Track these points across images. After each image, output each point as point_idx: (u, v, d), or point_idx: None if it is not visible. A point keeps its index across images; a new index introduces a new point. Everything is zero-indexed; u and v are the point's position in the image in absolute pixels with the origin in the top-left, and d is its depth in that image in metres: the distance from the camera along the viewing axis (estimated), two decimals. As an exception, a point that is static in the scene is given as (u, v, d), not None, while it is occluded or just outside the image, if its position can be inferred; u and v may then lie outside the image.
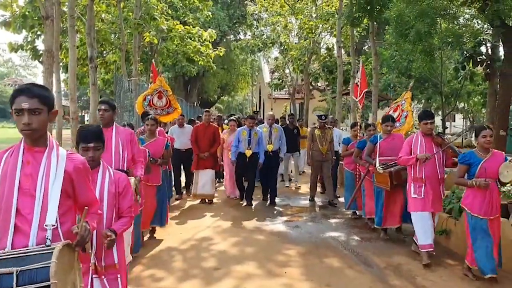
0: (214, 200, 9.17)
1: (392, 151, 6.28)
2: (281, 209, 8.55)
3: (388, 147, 6.44)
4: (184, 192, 9.88)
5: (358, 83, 8.52)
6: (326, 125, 9.14)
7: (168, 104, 8.06)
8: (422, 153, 5.39)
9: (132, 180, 3.88)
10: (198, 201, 9.07)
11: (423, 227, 5.42)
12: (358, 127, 8.24)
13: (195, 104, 31.26)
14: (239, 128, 9.02)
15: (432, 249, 5.39)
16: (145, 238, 6.38)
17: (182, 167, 9.85)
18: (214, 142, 8.94)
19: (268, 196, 9.13)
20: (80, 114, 48.75)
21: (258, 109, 14.42)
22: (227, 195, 9.71)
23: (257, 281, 4.87)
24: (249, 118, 9.05)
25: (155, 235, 6.50)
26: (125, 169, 4.29)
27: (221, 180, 11.48)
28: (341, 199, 9.12)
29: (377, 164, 6.26)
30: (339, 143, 9.56)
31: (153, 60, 11.37)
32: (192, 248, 6.00)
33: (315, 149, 9.06)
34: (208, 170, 8.85)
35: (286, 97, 27.73)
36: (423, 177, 5.40)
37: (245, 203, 8.86)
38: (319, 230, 7.08)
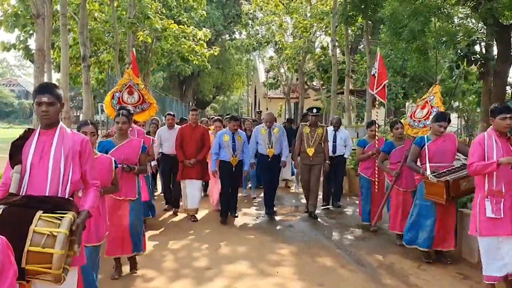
0: (201, 214, 7.90)
1: (443, 156, 5.27)
2: (274, 209, 8.50)
3: (439, 151, 5.29)
4: (170, 207, 8.24)
5: (375, 74, 7.34)
6: (318, 122, 7.78)
7: (141, 99, 6.79)
8: (499, 158, 4.03)
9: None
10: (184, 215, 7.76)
11: (495, 256, 4.08)
12: (376, 126, 7.19)
13: (190, 104, 31.21)
14: (219, 132, 7.74)
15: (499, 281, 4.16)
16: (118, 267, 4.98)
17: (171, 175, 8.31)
18: (203, 146, 7.51)
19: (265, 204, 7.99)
20: (75, 114, 48.70)
21: (260, 109, 13.93)
22: (212, 207, 8.28)
23: (249, 280, 4.84)
24: (232, 120, 7.64)
25: (137, 269, 5.06)
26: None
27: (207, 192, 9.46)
28: (349, 208, 8.74)
29: (428, 172, 5.16)
30: (344, 146, 8.60)
31: (133, 49, 9.72)
32: (183, 248, 5.95)
33: (301, 151, 7.72)
34: (195, 181, 7.49)
35: (281, 96, 27.72)
36: (503, 190, 4.08)
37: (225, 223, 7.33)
38: (312, 229, 7.06)
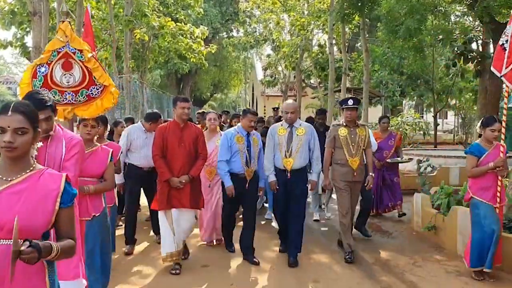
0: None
1: None
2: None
3: None
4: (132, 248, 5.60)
5: (506, 46, 4.60)
6: (356, 120, 5.43)
7: (87, 79, 3.64)
8: None
9: None
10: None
11: None
12: (503, 125, 4.51)
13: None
14: (227, 132, 5.32)
15: None
16: None
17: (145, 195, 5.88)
18: (197, 156, 4.92)
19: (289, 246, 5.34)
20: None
21: (277, 106, 12.89)
22: (202, 240, 6.00)
23: (246, 277, 4.86)
24: (249, 114, 5.28)
25: None
26: None
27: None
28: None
29: None
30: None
31: (88, 5, 7.23)
32: (181, 245, 5.96)
33: (339, 162, 5.31)
34: (187, 211, 4.87)
35: (279, 94, 27.78)
36: None
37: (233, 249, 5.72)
38: (308, 226, 7.06)
